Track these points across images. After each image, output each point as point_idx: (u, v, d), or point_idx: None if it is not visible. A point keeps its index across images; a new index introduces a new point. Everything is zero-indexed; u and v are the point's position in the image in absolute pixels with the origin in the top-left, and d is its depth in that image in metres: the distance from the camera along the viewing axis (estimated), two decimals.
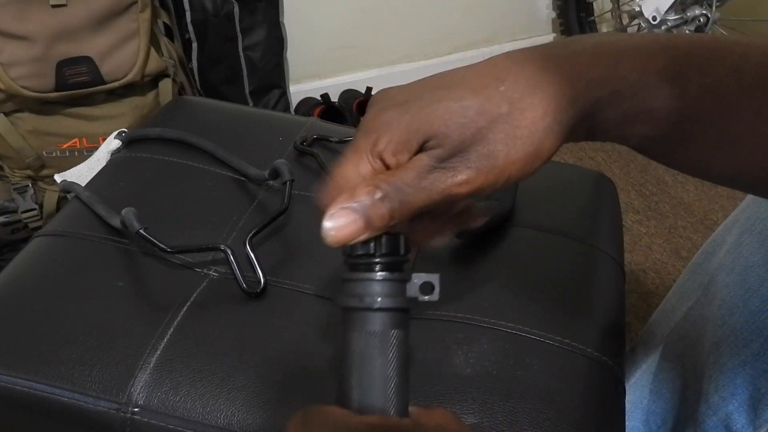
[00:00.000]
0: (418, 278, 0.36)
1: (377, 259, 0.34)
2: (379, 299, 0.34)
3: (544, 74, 0.34)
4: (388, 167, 0.35)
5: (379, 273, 0.34)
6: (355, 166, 0.35)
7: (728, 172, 0.37)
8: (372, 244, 0.34)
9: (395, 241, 0.35)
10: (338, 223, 0.33)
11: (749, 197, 0.64)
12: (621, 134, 0.36)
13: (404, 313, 0.35)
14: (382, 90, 0.37)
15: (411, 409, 0.35)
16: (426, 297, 0.36)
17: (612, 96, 0.35)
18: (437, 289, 0.36)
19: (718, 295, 0.62)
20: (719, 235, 0.67)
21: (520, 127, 0.34)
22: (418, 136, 0.34)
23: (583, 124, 0.36)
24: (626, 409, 0.76)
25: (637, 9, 1.60)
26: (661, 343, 0.73)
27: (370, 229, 0.34)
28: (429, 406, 0.35)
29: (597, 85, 0.35)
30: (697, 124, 0.35)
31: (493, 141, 0.33)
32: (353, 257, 0.35)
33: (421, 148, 0.34)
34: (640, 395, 0.74)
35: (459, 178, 0.34)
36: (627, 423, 0.76)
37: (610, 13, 1.79)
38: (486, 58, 0.37)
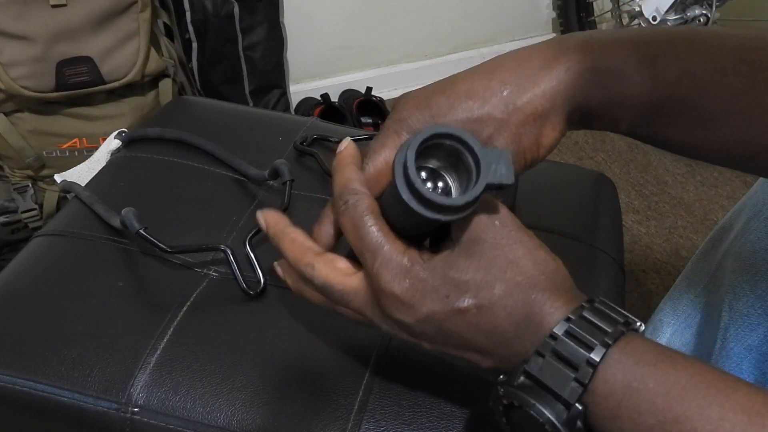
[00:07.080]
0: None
1: None
2: None
3: (541, 72, 0.41)
4: None
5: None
6: (386, 159, 0.42)
7: (715, 150, 0.41)
8: None
9: None
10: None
11: (757, 184, 0.63)
12: (612, 119, 0.42)
13: None
14: (405, 93, 0.43)
15: None
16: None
17: (598, 85, 0.40)
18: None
19: (725, 280, 0.62)
20: (727, 222, 0.67)
21: (523, 125, 0.40)
22: None
23: (576, 112, 0.41)
24: None
25: (637, 9, 1.60)
26: (668, 331, 0.72)
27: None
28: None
29: (585, 76, 0.40)
30: (678, 105, 0.40)
31: (501, 143, 0.40)
32: None
33: None
34: None
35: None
36: None
37: (610, 13, 1.79)
38: (486, 58, 0.43)
